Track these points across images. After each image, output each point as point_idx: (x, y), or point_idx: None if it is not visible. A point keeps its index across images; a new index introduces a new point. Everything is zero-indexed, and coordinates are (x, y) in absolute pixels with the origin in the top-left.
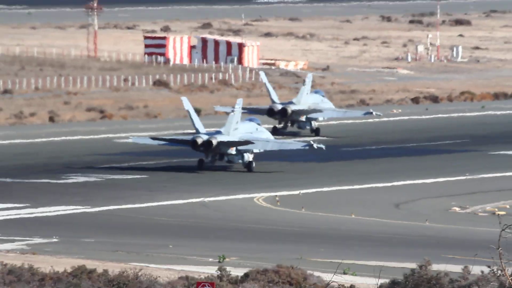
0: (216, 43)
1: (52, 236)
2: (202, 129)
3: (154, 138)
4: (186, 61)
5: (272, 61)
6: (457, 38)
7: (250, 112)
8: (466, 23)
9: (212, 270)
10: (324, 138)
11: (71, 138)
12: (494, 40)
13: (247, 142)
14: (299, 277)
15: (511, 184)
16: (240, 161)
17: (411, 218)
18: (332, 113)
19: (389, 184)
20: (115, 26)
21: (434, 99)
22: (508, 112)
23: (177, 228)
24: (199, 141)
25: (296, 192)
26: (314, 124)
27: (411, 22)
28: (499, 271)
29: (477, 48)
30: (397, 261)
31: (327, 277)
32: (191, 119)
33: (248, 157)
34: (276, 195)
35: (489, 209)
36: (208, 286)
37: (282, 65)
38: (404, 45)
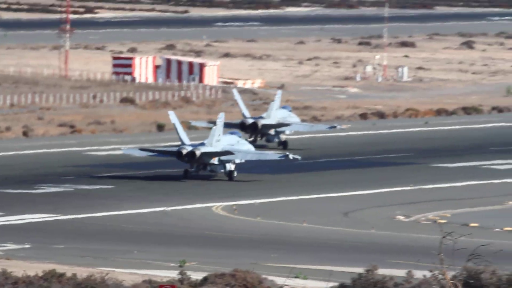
0: (179, 63)
1: (25, 242)
2: (187, 141)
3: (143, 150)
4: (151, 79)
5: (231, 80)
6: (403, 59)
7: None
8: (411, 45)
9: (174, 274)
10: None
11: (44, 151)
12: (436, 61)
13: (228, 153)
14: (254, 281)
15: (452, 194)
16: (222, 170)
17: (358, 226)
18: (299, 126)
19: (339, 194)
20: (85, 47)
21: (381, 115)
22: (449, 127)
23: (141, 235)
24: (184, 152)
25: (252, 202)
26: (282, 137)
27: (360, 44)
28: (440, 275)
29: (420, 68)
30: (345, 266)
31: (280, 280)
32: (177, 131)
33: (230, 166)
34: (233, 205)
35: (431, 218)
36: None
37: (240, 83)
38: (354, 65)
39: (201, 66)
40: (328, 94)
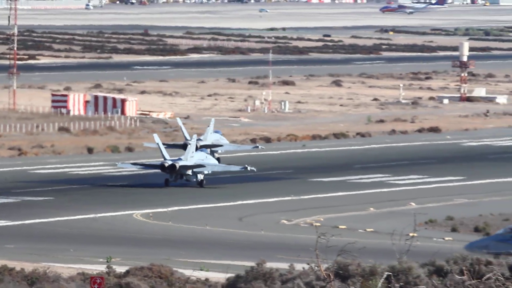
0: (105, 98)
1: None
2: (167, 157)
3: (134, 164)
4: (82, 112)
5: (147, 112)
6: (284, 95)
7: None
8: (291, 83)
9: (102, 268)
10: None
11: None
12: (311, 96)
13: (200, 166)
14: (167, 273)
15: (325, 202)
16: (195, 179)
17: (250, 229)
18: (229, 147)
19: (235, 203)
20: (29, 86)
21: (267, 140)
22: (322, 149)
23: (75, 237)
24: (166, 165)
25: (165, 210)
26: (200, 176)
27: (250, 82)
28: (316, 267)
29: (299, 102)
30: (240, 261)
31: (187, 272)
32: (160, 149)
33: (200, 177)
34: (150, 212)
35: (308, 221)
36: (99, 279)
37: (154, 114)
38: (245, 100)
39: (123, 101)
40: (225, 123)
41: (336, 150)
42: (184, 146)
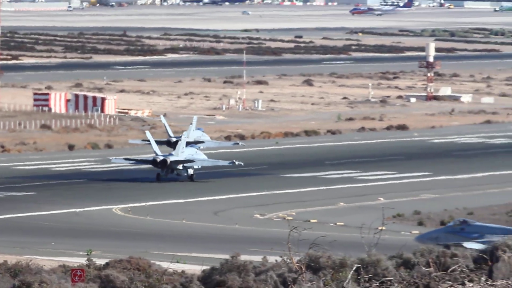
0: (85, 97)
1: None
2: (159, 152)
3: (127, 159)
4: (63, 110)
5: (125, 110)
6: (258, 94)
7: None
8: (264, 83)
9: (82, 260)
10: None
11: None
12: (284, 95)
13: (190, 161)
14: (145, 265)
15: (297, 197)
16: (185, 174)
17: (225, 223)
18: (210, 143)
19: (211, 198)
20: (12, 86)
21: (242, 137)
22: (294, 146)
23: (57, 230)
24: (158, 160)
25: (143, 204)
26: (190, 171)
27: (225, 82)
28: (288, 260)
29: (272, 100)
30: (215, 254)
31: (165, 265)
32: (152, 145)
33: (190, 171)
34: (128, 207)
35: (281, 215)
36: (79, 271)
37: (132, 113)
38: (220, 99)
39: (103, 99)
40: (201, 121)
41: (308, 147)
42: (168, 143)
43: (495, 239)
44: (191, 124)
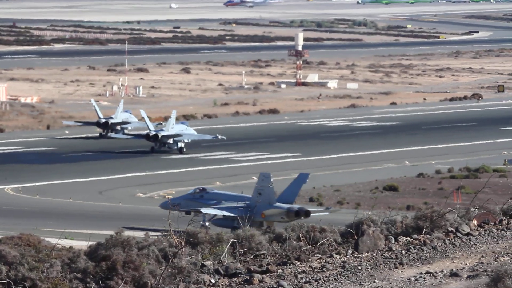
0: None
1: None
2: (152, 128)
3: (125, 134)
4: None
5: (16, 97)
6: (139, 81)
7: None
8: (145, 70)
9: None
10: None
11: None
12: (163, 82)
13: (179, 135)
14: (35, 241)
15: (176, 177)
16: (175, 147)
17: (110, 201)
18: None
19: (96, 178)
20: None
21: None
22: None
23: None
24: (151, 134)
25: (33, 184)
26: (180, 144)
27: (108, 70)
28: (169, 236)
29: (153, 87)
30: (101, 230)
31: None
32: (146, 122)
33: (181, 145)
34: (19, 187)
35: (161, 194)
36: None
37: (22, 99)
38: (104, 85)
39: None
40: (87, 107)
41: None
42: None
43: (230, 204)
44: (170, 117)
